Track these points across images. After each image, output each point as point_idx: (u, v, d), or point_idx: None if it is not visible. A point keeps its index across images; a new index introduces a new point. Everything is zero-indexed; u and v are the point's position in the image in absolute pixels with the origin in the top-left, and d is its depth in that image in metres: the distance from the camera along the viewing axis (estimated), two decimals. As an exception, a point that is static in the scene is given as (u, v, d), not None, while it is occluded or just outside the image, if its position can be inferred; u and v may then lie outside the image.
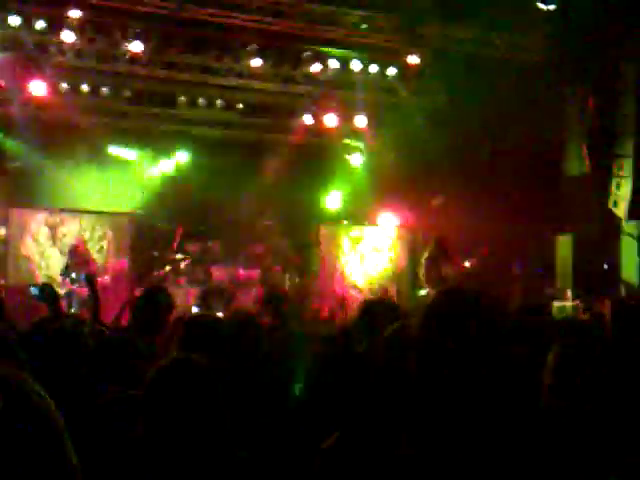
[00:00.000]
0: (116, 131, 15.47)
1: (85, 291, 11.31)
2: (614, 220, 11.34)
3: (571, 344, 3.10)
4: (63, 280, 13.01)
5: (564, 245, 11.57)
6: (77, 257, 13.21)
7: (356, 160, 16.76)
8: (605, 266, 10.99)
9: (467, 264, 13.12)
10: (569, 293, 10.98)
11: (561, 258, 11.66)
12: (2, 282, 13.08)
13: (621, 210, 11.29)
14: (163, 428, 2.68)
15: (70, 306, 12.40)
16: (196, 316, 5.74)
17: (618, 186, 11.49)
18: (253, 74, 14.34)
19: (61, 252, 13.88)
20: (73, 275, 12.96)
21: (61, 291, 11.96)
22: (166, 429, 2.68)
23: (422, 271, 13.02)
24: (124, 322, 9.00)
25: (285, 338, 5.14)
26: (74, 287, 12.63)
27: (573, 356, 2.99)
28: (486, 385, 2.08)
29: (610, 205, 11.44)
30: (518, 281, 12.89)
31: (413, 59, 13.46)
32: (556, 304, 10.30)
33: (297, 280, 14.56)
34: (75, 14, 11.54)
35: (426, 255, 13.02)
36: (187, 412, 2.69)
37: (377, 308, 5.47)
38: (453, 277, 12.80)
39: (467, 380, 2.06)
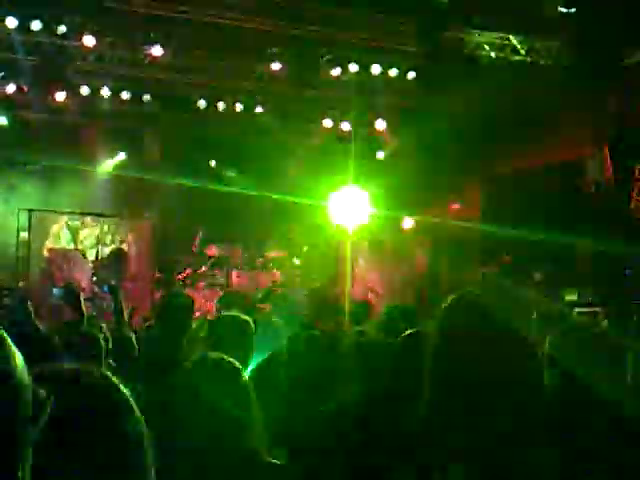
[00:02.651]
0: (136, 135, 15.55)
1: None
2: (636, 225, 11.27)
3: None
4: (90, 281, 13.14)
5: (585, 250, 11.51)
6: (113, 263, 13.30)
7: (375, 164, 16.72)
8: (627, 271, 10.92)
9: (486, 270, 13.08)
10: (590, 299, 10.92)
11: (582, 264, 11.61)
12: (21, 284, 13.17)
13: (643, 215, 11.24)
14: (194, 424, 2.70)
15: (95, 308, 12.48)
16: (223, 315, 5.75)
17: (640, 191, 11.45)
18: (273, 78, 14.38)
19: (82, 255, 13.96)
20: (94, 278, 13.06)
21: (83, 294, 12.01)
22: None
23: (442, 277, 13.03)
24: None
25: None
26: (96, 290, 12.71)
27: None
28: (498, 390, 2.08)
29: (632, 211, 11.38)
30: (540, 287, 12.82)
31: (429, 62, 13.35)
32: (577, 310, 10.24)
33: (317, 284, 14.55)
34: (99, 19, 11.58)
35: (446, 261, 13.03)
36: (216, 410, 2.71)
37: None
38: (473, 283, 12.78)
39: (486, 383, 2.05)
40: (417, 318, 5.65)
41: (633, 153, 11.61)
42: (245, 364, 3.90)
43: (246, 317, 4.58)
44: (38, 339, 4.65)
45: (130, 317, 10.17)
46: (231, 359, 2.87)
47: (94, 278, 13.14)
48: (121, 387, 1.56)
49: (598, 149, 12.18)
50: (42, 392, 1.31)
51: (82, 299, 6.56)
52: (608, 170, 11.89)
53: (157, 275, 14.06)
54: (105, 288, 8.98)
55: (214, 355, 2.93)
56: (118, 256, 13.64)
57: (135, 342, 5.63)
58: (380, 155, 16.76)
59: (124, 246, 14.34)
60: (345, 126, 15.64)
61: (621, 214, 11.44)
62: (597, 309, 10.13)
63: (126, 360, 5.18)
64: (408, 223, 16.28)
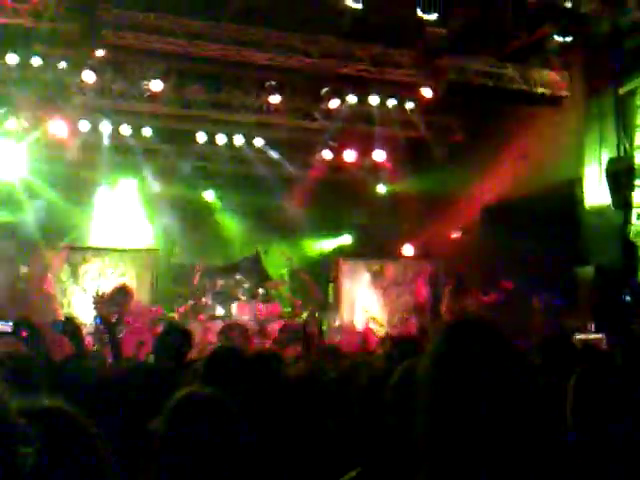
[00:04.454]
0: (136, 169, 15.61)
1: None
2: (635, 251, 11.25)
3: (588, 371, 3.03)
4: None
5: (585, 277, 11.48)
6: (116, 298, 13.26)
7: (375, 194, 16.77)
8: (627, 298, 10.87)
9: (488, 297, 13.08)
10: (591, 326, 10.86)
11: (582, 290, 11.56)
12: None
13: (642, 241, 11.22)
14: (179, 463, 2.67)
15: (95, 342, 12.39)
16: (219, 349, 5.75)
17: (639, 217, 11.43)
18: (272, 110, 14.45)
19: (83, 290, 13.94)
20: (95, 312, 12.99)
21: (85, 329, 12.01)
22: (182, 464, 2.66)
23: (444, 305, 13.01)
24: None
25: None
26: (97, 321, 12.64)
27: (591, 383, 2.94)
28: (506, 421, 1.98)
29: (631, 236, 11.37)
30: (540, 314, 12.80)
31: (427, 92, 13.44)
32: (578, 337, 10.19)
33: (317, 314, 14.51)
34: (99, 54, 11.65)
35: (448, 289, 13.02)
36: (203, 447, 2.68)
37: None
38: (474, 310, 12.76)
39: (486, 417, 1.97)
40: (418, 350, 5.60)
41: (631, 179, 11.62)
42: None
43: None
44: (52, 370, 4.67)
45: (138, 350, 10.18)
46: (219, 394, 2.84)
47: (95, 312, 13.09)
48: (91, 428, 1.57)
49: (596, 176, 12.21)
50: (29, 430, 1.32)
51: (83, 333, 6.55)
52: (607, 196, 11.89)
53: (157, 308, 14.01)
54: (98, 320, 8.85)
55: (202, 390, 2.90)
56: (122, 291, 13.61)
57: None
58: (381, 186, 16.81)
59: (125, 279, 14.32)
60: (345, 158, 15.70)
61: (620, 240, 11.43)
62: (598, 335, 10.08)
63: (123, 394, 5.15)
64: (409, 251, 16.29)
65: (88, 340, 12.41)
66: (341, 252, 16.28)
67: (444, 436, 1.97)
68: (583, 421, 2.85)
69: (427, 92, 13.50)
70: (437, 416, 1.99)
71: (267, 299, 14.48)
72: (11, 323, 7.16)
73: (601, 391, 2.87)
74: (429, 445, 2.01)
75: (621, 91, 12.14)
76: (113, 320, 12.16)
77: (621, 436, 2.73)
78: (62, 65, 12.61)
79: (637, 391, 2.91)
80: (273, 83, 13.71)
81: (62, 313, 13.55)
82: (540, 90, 13.43)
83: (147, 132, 14.88)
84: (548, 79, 13.45)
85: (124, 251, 14.84)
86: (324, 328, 13.65)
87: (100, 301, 13.17)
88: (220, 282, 14.52)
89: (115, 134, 14.73)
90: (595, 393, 2.88)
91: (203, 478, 2.64)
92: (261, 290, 14.56)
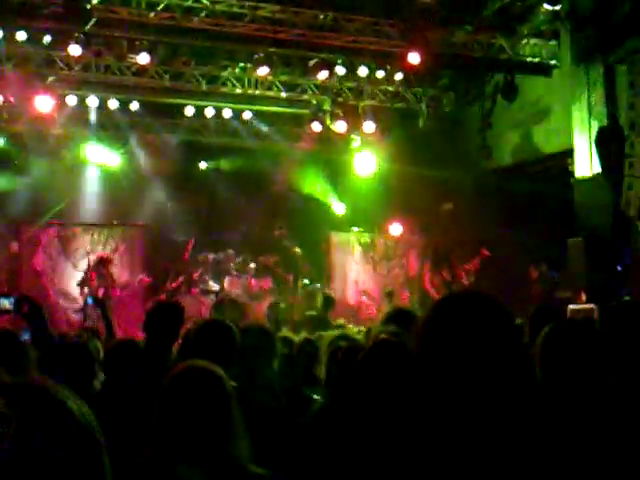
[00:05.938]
0: (124, 143, 15.50)
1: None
2: (626, 220, 11.24)
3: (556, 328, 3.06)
4: (81, 292, 13.06)
5: (576, 247, 11.46)
6: (97, 270, 13.25)
7: (365, 167, 16.63)
8: (618, 267, 10.88)
9: (467, 267, 13.18)
10: (583, 296, 10.87)
11: (574, 260, 11.55)
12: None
13: (634, 210, 11.20)
14: (178, 435, 2.66)
15: (86, 318, 12.36)
16: (209, 321, 5.77)
17: (630, 186, 11.40)
18: (260, 83, 14.34)
19: (74, 266, 13.89)
20: (86, 289, 12.99)
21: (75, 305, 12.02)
22: (180, 437, 2.65)
23: (426, 278, 13.07)
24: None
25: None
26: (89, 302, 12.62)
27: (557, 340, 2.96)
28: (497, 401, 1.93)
29: (622, 205, 11.35)
30: (533, 285, 12.85)
31: (414, 58, 12.98)
32: (571, 307, 10.20)
33: (309, 288, 14.51)
34: (86, 27, 11.43)
35: (428, 262, 13.06)
36: (200, 420, 2.67)
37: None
38: (456, 281, 12.84)
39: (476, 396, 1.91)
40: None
41: (621, 148, 11.59)
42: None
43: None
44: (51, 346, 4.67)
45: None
46: (215, 367, 2.83)
47: (85, 289, 13.08)
48: (79, 405, 1.52)
49: (586, 146, 12.17)
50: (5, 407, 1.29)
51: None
52: (598, 166, 11.87)
53: (148, 282, 13.98)
54: (90, 300, 8.82)
55: (198, 363, 2.88)
56: (101, 262, 13.59)
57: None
58: (371, 158, 16.71)
59: (116, 255, 14.26)
60: (334, 129, 15.58)
61: (612, 210, 11.41)
62: (591, 306, 10.08)
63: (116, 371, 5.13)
64: (399, 224, 16.18)
65: (79, 317, 12.43)
66: (332, 225, 16.19)
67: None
68: (549, 375, 2.89)
69: (414, 58, 13.02)
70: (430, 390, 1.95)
71: (259, 274, 14.47)
72: (12, 299, 7.13)
73: (567, 347, 2.89)
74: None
75: (610, 59, 12.07)
76: (100, 294, 12.20)
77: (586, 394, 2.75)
78: (47, 39, 12.45)
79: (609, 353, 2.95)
80: (261, 55, 13.56)
81: (52, 289, 13.52)
82: (529, 59, 13.37)
83: (135, 106, 14.76)
84: (537, 48, 13.38)
85: (114, 227, 14.77)
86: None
87: (88, 280, 13.19)
88: (211, 256, 14.50)
89: (102, 108, 14.60)
90: (561, 349, 2.91)
91: (198, 450, 2.63)
92: (252, 264, 14.54)
